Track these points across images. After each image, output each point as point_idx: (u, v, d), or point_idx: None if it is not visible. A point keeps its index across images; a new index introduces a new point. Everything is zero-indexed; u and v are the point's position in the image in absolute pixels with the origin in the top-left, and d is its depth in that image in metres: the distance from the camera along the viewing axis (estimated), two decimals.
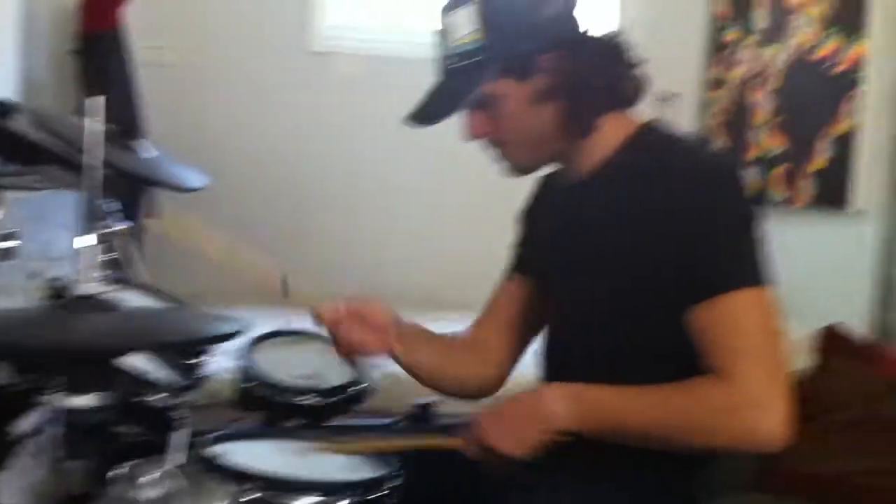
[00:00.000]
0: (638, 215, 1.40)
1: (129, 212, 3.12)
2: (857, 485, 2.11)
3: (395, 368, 2.78)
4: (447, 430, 1.55)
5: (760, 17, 3.90)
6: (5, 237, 1.55)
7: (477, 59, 1.44)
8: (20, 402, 1.47)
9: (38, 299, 1.64)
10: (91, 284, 1.18)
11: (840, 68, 3.39)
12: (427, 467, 1.49)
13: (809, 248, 3.58)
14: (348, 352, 1.61)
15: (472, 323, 1.77)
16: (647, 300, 1.41)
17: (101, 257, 2.08)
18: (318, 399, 1.88)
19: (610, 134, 1.48)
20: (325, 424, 1.94)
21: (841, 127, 3.37)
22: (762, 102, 3.85)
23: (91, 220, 2.09)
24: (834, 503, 2.09)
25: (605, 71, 1.47)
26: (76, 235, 1.16)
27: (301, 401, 1.87)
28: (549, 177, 1.67)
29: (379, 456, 1.50)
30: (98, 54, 3.44)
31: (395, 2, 4.07)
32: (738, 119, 4.02)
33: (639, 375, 1.37)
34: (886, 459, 2.13)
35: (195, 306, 2.06)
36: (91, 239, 1.17)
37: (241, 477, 1.36)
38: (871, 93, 3.27)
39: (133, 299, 1.89)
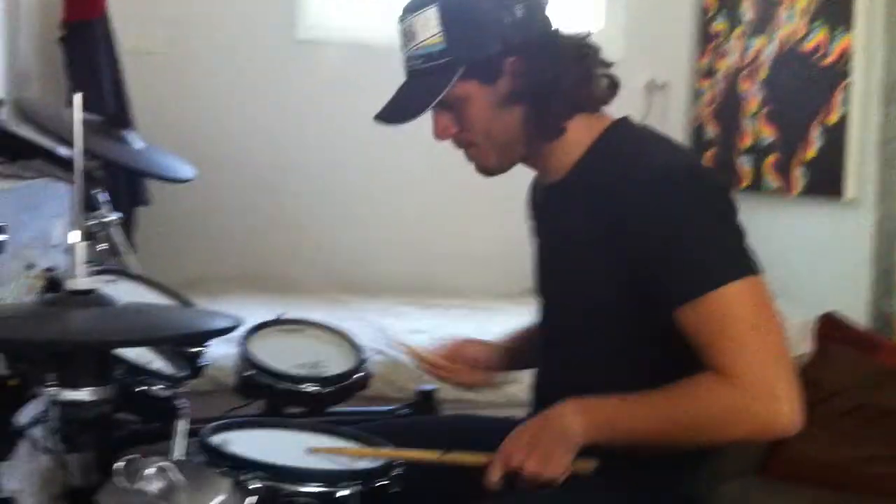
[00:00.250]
0: (607, 221, 1.39)
1: (119, 202, 3.11)
2: (855, 471, 2.11)
3: (397, 355, 2.80)
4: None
5: (747, 9, 3.90)
6: None
7: (440, 61, 1.42)
8: (19, 393, 1.45)
9: (33, 290, 1.62)
10: (84, 276, 1.15)
11: (828, 60, 3.39)
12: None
13: (805, 237, 3.59)
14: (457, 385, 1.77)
15: None
16: (627, 307, 1.40)
17: (92, 248, 2.06)
18: (318, 387, 1.86)
19: (578, 136, 1.47)
20: (326, 412, 1.93)
21: (832, 117, 3.37)
22: (752, 92, 3.85)
23: (82, 211, 2.07)
24: (833, 489, 2.09)
25: (572, 73, 1.45)
26: (68, 226, 1.14)
27: (302, 389, 1.86)
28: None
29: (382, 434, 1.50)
30: (83, 43, 3.41)
31: None
32: (729, 108, 4.03)
33: (629, 380, 1.37)
34: (884, 447, 2.13)
35: (188, 296, 2.03)
36: (82, 230, 1.16)
37: (242, 466, 1.34)
38: (858, 84, 3.27)
39: (126, 290, 1.87)
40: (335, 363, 1.98)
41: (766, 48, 3.78)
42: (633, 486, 1.40)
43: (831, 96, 3.35)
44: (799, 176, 3.54)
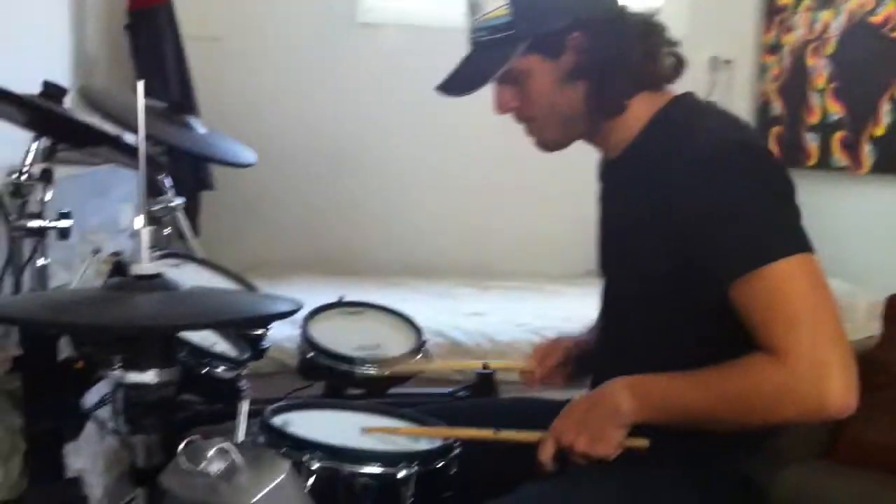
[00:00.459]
0: (661, 196, 1.37)
1: (184, 187, 3.16)
2: None
3: (456, 336, 2.81)
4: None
5: None
6: (60, 216, 1.56)
7: (504, 34, 1.42)
8: (85, 376, 1.49)
9: (100, 275, 1.66)
10: (149, 261, 1.18)
11: None
12: (483, 441, 1.48)
13: (873, 216, 3.50)
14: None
15: None
16: (682, 285, 1.38)
17: (157, 233, 2.11)
18: (378, 369, 1.88)
19: (638, 113, 1.46)
20: (386, 394, 1.95)
21: None
22: (819, 67, 3.76)
23: (147, 196, 2.11)
24: None
25: (636, 51, 1.44)
26: (134, 211, 1.16)
27: (362, 371, 1.88)
28: None
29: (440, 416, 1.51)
30: (148, 30, 3.47)
31: None
32: (795, 84, 3.94)
33: (684, 358, 1.35)
34: None
35: (250, 279, 2.06)
36: (147, 215, 1.18)
37: (302, 447, 1.36)
38: None
39: (190, 274, 1.91)
40: (395, 345, 1.99)
41: (834, 21, 3.68)
42: (687, 465, 1.40)
43: None
44: (867, 153, 3.46)
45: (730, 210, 1.31)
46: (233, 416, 1.51)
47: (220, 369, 1.60)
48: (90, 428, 1.49)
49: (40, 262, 1.58)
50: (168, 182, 2.42)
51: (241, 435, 1.46)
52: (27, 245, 1.59)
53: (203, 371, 1.56)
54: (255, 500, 1.06)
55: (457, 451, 1.45)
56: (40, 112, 1.53)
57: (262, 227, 4.00)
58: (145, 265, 1.18)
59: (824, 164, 3.70)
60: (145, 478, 1.19)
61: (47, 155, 1.64)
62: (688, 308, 1.40)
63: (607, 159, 1.56)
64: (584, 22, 1.41)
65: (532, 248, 4.13)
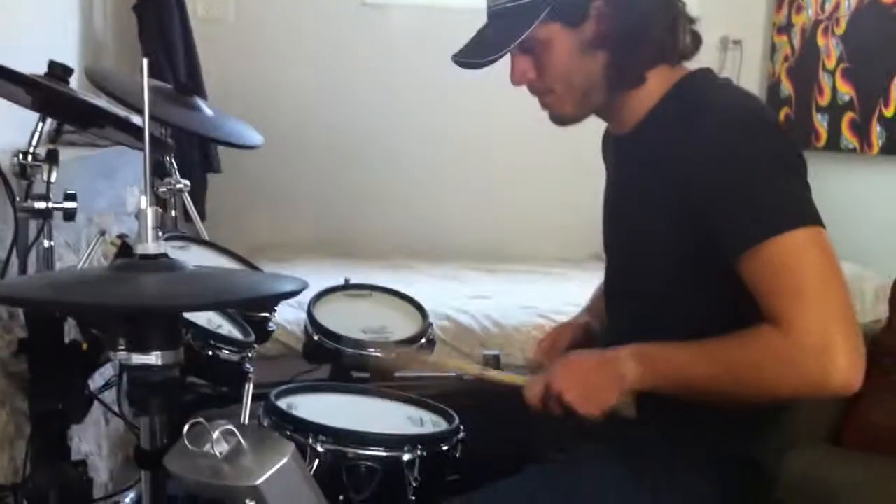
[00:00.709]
0: (672, 167, 1.36)
1: (190, 169, 3.16)
2: None
3: (462, 319, 2.81)
4: None
5: None
6: (66, 198, 1.55)
7: (526, 1, 1.40)
8: (91, 358, 1.49)
9: (107, 256, 1.66)
10: (153, 241, 1.17)
11: None
12: (486, 425, 1.49)
13: (883, 198, 3.48)
14: None
15: None
16: (691, 259, 1.38)
17: (163, 214, 2.10)
18: (384, 351, 1.88)
19: (654, 86, 1.44)
20: (391, 377, 1.95)
21: None
22: (830, 47, 3.73)
23: (152, 177, 2.10)
24: None
25: (658, 22, 1.43)
26: (140, 193, 1.15)
27: (368, 353, 1.88)
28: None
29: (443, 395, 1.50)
30: (156, 12, 3.46)
31: None
32: (805, 65, 3.91)
33: (692, 335, 1.34)
34: None
35: (257, 261, 2.06)
36: (152, 196, 1.17)
37: (307, 429, 1.37)
38: None
39: (196, 256, 1.90)
40: (401, 328, 1.99)
41: (845, 1, 3.65)
42: (693, 449, 1.40)
43: None
44: (877, 135, 3.43)
45: (742, 181, 1.30)
46: (238, 398, 1.52)
47: (226, 352, 1.59)
48: (96, 411, 1.49)
49: (46, 243, 1.57)
50: (175, 163, 2.42)
51: (245, 417, 1.46)
52: (33, 226, 1.59)
53: (209, 353, 1.56)
54: (259, 481, 1.06)
55: (461, 434, 1.45)
56: (45, 92, 1.52)
57: (269, 210, 4.00)
58: (150, 245, 1.17)
59: (834, 145, 3.68)
60: (150, 460, 1.19)
61: (53, 136, 1.63)
62: (698, 283, 1.40)
63: (618, 134, 1.54)
64: None
65: (539, 231, 4.13)
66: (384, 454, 1.36)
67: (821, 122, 3.77)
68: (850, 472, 1.93)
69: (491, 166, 4.08)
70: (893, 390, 1.91)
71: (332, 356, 1.90)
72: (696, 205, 1.33)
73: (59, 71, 1.60)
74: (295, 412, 1.43)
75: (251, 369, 1.61)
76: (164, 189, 2.38)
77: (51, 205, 1.54)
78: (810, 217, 1.29)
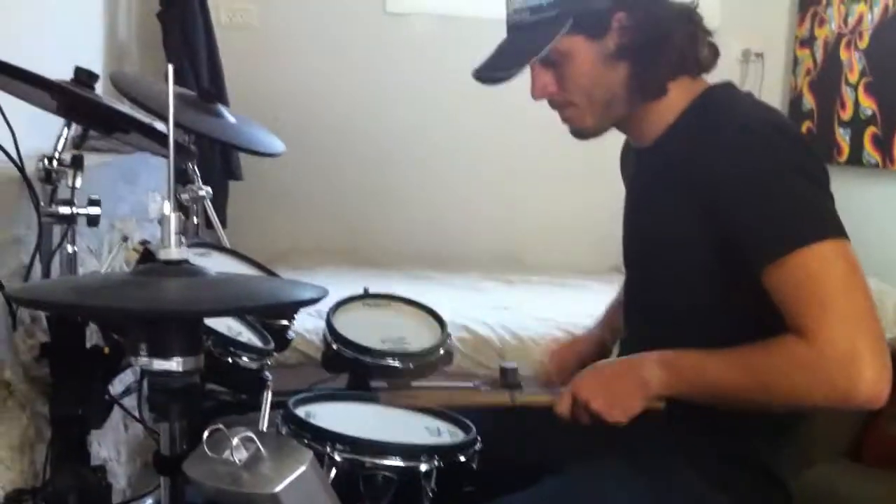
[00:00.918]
0: (695, 180, 1.36)
1: (212, 176, 3.18)
2: None
3: (480, 330, 2.81)
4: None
5: None
6: (90, 203, 1.56)
7: (548, 14, 1.40)
8: (112, 363, 1.50)
9: (129, 262, 1.67)
10: (175, 246, 1.18)
11: None
12: (503, 435, 1.49)
13: None
14: None
15: None
16: (714, 271, 1.38)
17: (185, 221, 2.11)
18: (402, 362, 1.88)
19: (676, 99, 1.45)
20: (409, 386, 1.94)
21: None
22: (853, 61, 3.71)
23: (175, 184, 2.12)
24: None
25: (681, 32, 1.43)
26: (162, 198, 1.16)
27: (386, 363, 1.88)
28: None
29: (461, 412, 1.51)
30: (180, 18, 3.49)
31: None
32: (827, 78, 3.89)
33: (713, 345, 1.34)
34: None
35: (277, 269, 2.07)
36: (175, 202, 1.18)
37: (325, 438, 1.37)
38: None
39: (217, 263, 1.91)
40: (419, 338, 1.99)
41: (868, 14, 3.63)
42: (714, 463, 1.39)
43: None
44: None
45: (766, 193, 1.30)
46: (257, 406, 1.52)
47: (245, 359, 1.60)
48: (115, 416, 1.50)
49: (70, 249, 1.58)
50: (197, 170, 2.43)
51: (264, 425, 1.46)
52: (56, 231, 1.60)
53: (228, 360, 1.57)
54: (277, 489, 1.06)
55: (478, 445, 1.45)
56: (71, 98, 1.53)
57: (289, 218, 4.01)
58: (172, 250, 1.18)
59: (856, 159, 3.66)
60: (169, 466, 1.20)
61: (78, 141, 1.64)
62: (720, 296, 1.40)
63: (638, 147, 1.54)
64: (627, 1, 1.40)
65: (558, 242, 4.12)
66: (401, 464, 1.36)
67: (843, 137, 3.75)
68: (869, 488, 1.92)
69: (512, 175, 4.08)
70: None
71: (350, 365, 1.90)
72: (719, 218, 1.33)
73: (84, 77, 1.61)
74: (313, 420, 1.43)
75: (270, 377, 1.62)
76: (187, 196, 2.39)
77: (75, 210, 1.55)
78: (835, 229, 1.28)
